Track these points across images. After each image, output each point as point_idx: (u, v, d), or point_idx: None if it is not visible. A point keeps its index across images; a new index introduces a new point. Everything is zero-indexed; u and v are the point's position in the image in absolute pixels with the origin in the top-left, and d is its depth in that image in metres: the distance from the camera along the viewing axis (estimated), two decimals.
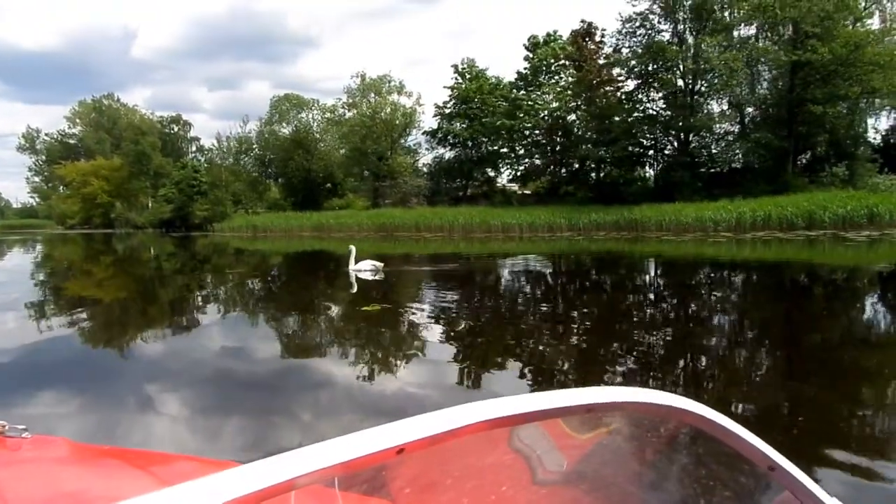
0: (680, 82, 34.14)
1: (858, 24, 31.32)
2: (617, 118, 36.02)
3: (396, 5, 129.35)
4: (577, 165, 39.25)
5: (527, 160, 42.75)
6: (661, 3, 33.20)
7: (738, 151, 30.18)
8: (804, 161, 33.85)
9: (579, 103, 37.53)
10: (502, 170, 45.25)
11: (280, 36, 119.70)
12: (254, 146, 54.07)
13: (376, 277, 14.18)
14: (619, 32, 34.54)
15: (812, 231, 22.89)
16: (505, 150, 43.51)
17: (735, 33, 31.77)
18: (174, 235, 45.14)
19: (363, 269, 15.05)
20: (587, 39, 37.08)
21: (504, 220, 30.17)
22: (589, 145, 36.64)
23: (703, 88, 32.18)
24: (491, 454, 0.90)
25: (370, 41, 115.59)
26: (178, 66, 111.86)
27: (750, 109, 33.48)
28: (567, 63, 39.47)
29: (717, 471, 1.09)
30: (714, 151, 34.17)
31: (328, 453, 0.55)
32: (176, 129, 71.52)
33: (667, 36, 33.88)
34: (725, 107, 33.71)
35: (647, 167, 36.84)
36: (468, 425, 0.68)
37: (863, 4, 31.55)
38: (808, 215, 23.72)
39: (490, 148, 44.52)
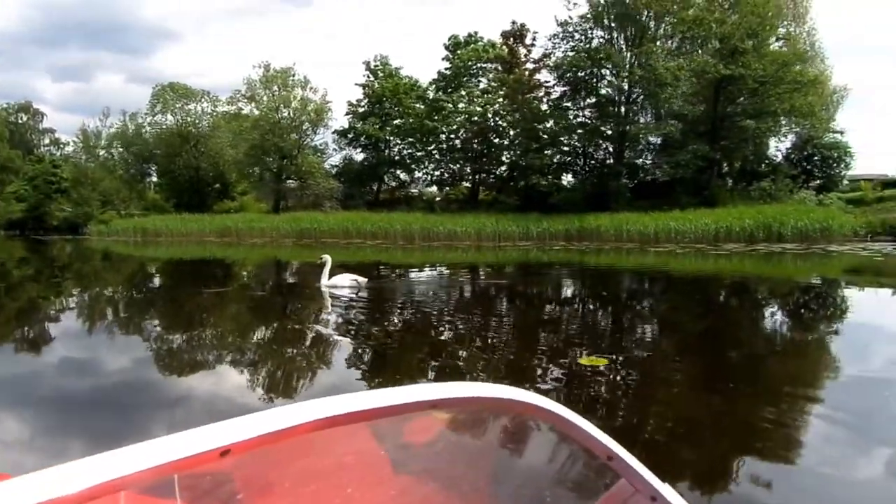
0: (608, 91, 33.79)
1: (780, 44, 32.57)
2: (547, 125, 35.09)
3: (267, 5, 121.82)
4: (504, 172, 37.80)
5: (447, 165, 40.74)
6: (592, 10, 32.66)
7: (679, 162, 30.00)
8: (728, 175, 34.82)
9: (507, 108, 36.11)
10: (417, 174, 42.95)
11: (134, 25, 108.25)
12: (131, 141, 47.63)
13: (356, 295, 11.42)
14: (555, 36, 33.52)
15: (777, 244, 22.87)
16: (421, 153, 41.28)
17: (659, 44, 31.68)
18: (38, 238, 38.32)
19: (340, 285, 12.11)
20: (518, 42, 35.90)
21: (449, 228, 27.87)
22: (518, 151, 35.39)
23: (638, 98, 31.78)
24: (332, 455, 0.86)
25: (243, 38, 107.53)
26: (16, 52, 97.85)
27: (673, 121, 33.57)
28: (494, 65, 38.09)
29: (561, 462, 1.11)
30: (646, 162, 34.11)
31: (134, 458, 0.50)
32: (24, 118, 62.38)
33: (597, 42, 33.33)
34: (651, 117, 33.66)
35: (577, 176, 36.08)
36: (301, 424, 0.65)
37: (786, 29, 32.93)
38: (767, 228, 23.73)
39: (406, 151, 42.18)
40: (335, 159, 44.10)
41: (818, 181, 35.12)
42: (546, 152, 35.47)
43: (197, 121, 44.82)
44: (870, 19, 73.07)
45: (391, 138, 42.03)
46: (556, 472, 1.16)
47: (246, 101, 41.75)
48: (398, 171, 43.44)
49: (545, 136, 35.18)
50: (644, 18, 31.87)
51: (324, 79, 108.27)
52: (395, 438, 0.97)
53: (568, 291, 13.71)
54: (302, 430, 0.65)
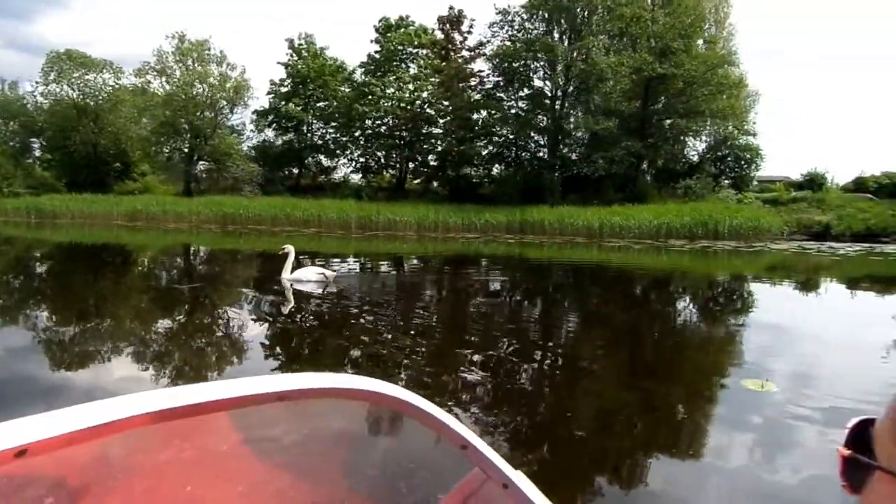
0: (542, 83, 33.78)
1: (704, 47, 33.69)
2: (480, 114, 34.62)
3: None
4: (434, 161, 36.92)
5: (373, 152, 39.38)
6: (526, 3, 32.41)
7: (613, 158, 30.33)
8: (652, 172, 35.74)
9: (440, 95, 35.25)
10: (341, 160, 41.30)
11: None
12: (15, 111, 42.70)
13: (324, 291, 10.50)
14: (494, 24, 33.01)
15: (715, 241, 23.53)
16: (346, 138, 39.66)
17: (598, 39, 31.91)
18: None
19: (306, 278, 11.20)
20: (454, 28, 35.10)
21: (388, 217, 26.72)
22: (450, 140, 34.66)
23: (575, 92, 31.83)
24: (167, 450, 0.80)
25: (140, 7, 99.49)
26: None
27: (602, 117, 33.95)
28: (427, 51, 37.09)
29: (417, 452, 1.13)
30: (580, 156, 34.30)
31: None
32: None
33: (534, 33, 33.14)
34: (584, 112, 33.91)
35: (510, 167, 35.82)
36: (123, 419, 0.61)
37: (712, 29, 34.08)
38: (704, 225, 24.39)
39: (330, 135, 40.42)
40: (253, 141, 41.66)
41: (729, 181, 36.88)
42: (478, 142, 35.05)
43: (97, 93, 40.80)
44: (790, 36, 77.60)
45: (315, 121, 40.20)
46: (411, 462, 1.16)
47: (156, 74, 38.45)
48: (321, 157, 41.65)
49: (478, 127, 34.73)
50: (580, 12, 32.07)
51: (242, 55, 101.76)
52: (245, 431, 0.91)
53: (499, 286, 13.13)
54: (125, 425, 0.59)
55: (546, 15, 32.38)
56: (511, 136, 34.53)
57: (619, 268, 16.37)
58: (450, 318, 9.15)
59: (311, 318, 8.70)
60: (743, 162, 37.75)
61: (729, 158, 37.92)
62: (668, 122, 32.46)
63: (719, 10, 36.94)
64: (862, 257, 19.98)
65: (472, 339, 7.34)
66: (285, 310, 9.16)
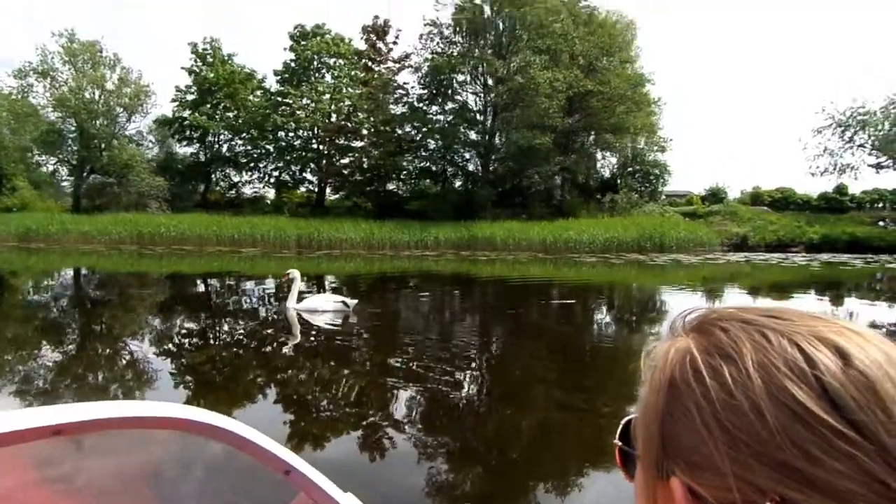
0: (472, 97, 33.63)
1: (627, 65, 35.02)
2: (406, 128, 33.80)
3: None
4: (357, 175, 35.42)
5: (289, 166, 37.25)
6: (456, 13, 32.14)
7: (548, 172, 30.63)
8: (566, 187, 36.52)
9: (364, 107, 34.02)
10: (252, 174, 38.73)
11: None
12: None
13: (342, 322, 9.31)
14: (422, 36, 32.37)
15: (661, 253, 24.22)
16: (259, 151, 37.33)
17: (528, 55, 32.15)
18: None
19: (321, 308, 9.78)
20: (380, 38, 34.05)
21: (333, 235, 25.10)
22: (377, 153, 33.48)
23: (508, 107, 31.67)
24: None
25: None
26: None
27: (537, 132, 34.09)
28: (345, 62, 35.73)
29: (235, 479, 1.06)
30: (511, 171, 34.22)
31: None
32: None
33: (460, 48, 32.91)
34: (514, 128, 33.97)
35: (439, 182, 35.18)
36: None
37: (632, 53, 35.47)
38: (650, 239, 25.08)
39: (241, 147, 37.89)
40: (153, 152, 38.11)
41: (638, 195, 38.45)
42: (405, 157, 34.22)
43: None
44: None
45: (224, 132, 37.52)
46: (229, 492, 1.10)
47: (38, 76, 34.19)
48: (230, 171, 38.90)
49: (405, 140, 33.88)
50: (503, 28, 32.26)
51: (138, 59, 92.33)
52: (50, 465, 0.84)
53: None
54: None
55: (472, 30, 32.19)
56: (440, 151, 33.91)
57: (612, 284, 16.22)
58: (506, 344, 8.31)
59: (343, 357, 7.51)
60: (652, 177, 39.55)
61: (638, 174, 39.61)
62: (592, 137, 33.28)
63: (627, 33, 38.61)
64: (801, 267, 21.33)
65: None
66: (291, 345, 7.98)
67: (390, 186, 35.15)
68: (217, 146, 38.20)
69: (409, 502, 3.53)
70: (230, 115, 37.29)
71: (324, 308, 9.86)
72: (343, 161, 35.84)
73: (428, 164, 34.74)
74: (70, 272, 18.13)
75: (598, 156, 39.58)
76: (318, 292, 11.17)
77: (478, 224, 26.79)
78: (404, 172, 34.85)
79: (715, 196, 40.03)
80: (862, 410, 0.38)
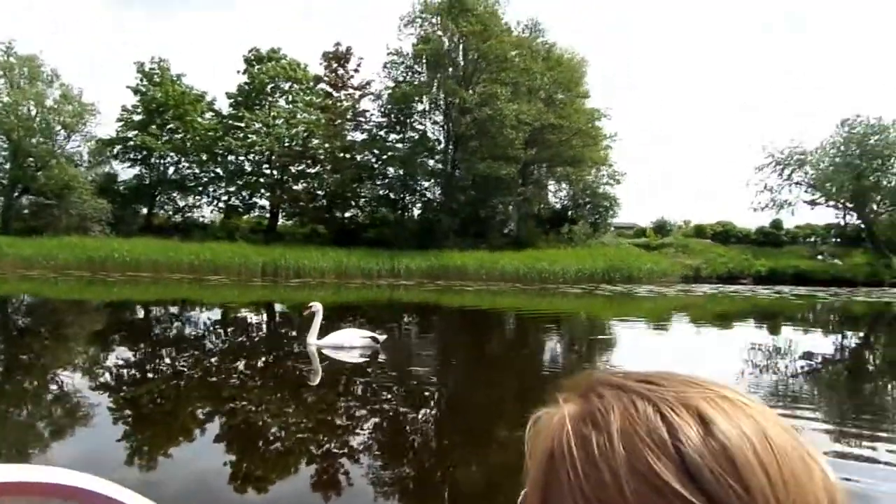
0: (435, 127, 33.62)
1: (582, 101, 35.94)
2: (365, 155, 33.40)
3: None
4: (311, 201, 34.50)
5: (240, 191, 35.92)
6: (419, 43, 32.20)
7: (510, 203, 30.80)
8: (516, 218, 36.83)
9: (322, 133, 33.35)
10: (200, 198, 37.15)
11: None
12: None
13: (366, 357, 8.83)
14: (386, 65, 32.19)
15: (628, 284, 24.62)
16: (209, 175, 35.93)
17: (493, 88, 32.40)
18: None
19: (349, 343, 9.16)
20: (341, 65, 33.58)
21: (302, 263, 24.14)
22: (335, 179, 32.82)
23: (475, 136, 31.58)
24: None
25: None
26: None
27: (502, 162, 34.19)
28: (300, 87, 35.08)
29: None
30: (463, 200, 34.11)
31: None
32: None
33: (422, 78, 32.92)
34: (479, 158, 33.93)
35: (398, 210, 34.72)
36: None
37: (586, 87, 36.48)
38: (620, 271, 25.50)
39: (189, 170, 36.36)
40: (91, 174, 35.88)
41: (591, 227, 39.39)
42: (364, 184, 33.74)
43: None
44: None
45: (171, 154, 35.93)
46: None
47: None
48: (175, 194, 37.16)
49: (364, 167, 33.42)
50: (463, 61, 32.55)
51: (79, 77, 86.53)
52: None
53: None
54: None
55: (434, 60, 32.24)
56: (400, 179, 33.52)
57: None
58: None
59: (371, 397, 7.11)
60: (601, 209, 40.49)
61: (588, 206, 40.47)
62: (544, 168, 33.84)
63: (579, 69, 39.76)
64: (782, 297, 22.19)
65: None
66: (314, 382, 7.53)
67: (348, 213, 34.44)
68: (163, 168, 36.54)
69: None
70: (178, 136, 35.78)
71: (352, 344, 9.25)
72: (298, 187, 34.92)
73: (387, 191, 34.27)
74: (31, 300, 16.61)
75: (551, 187, 40.41)
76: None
77: (447, 253, 26.54)
78: (363, 199, 34.28)
79: (662, 229, 41.41)
80: (718, 483, 0.38)
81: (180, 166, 36.83)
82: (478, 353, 10.80)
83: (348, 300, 18.25)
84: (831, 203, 37.22)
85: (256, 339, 11.53)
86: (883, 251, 33.03)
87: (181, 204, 37.56)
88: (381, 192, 34.28)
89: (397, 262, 25.15)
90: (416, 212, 34.22)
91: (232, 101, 35.30)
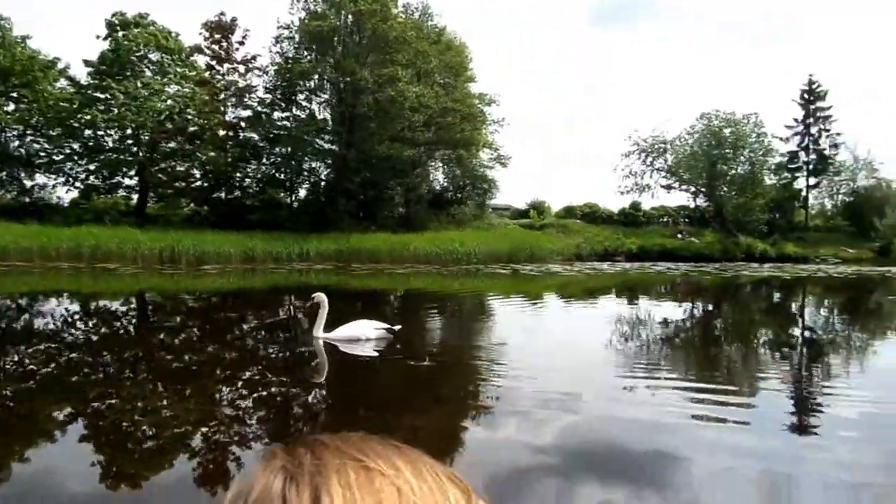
0: (322, 107, 32.57)
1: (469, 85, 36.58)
2: (251, 134, 31.61)
3: None
4: (196, 182, 32.00)
5: (101, 170, 32.27)
6: (307, 19, 30.96)
7: (410, 185, 30.68)
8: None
9: (202, 108, 30.90)
10: (54, 177, 32.91)
11: None
12: None
13: (380, 349, 8.36)
14: (277, 39, 30.51)
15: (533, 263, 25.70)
16: (63, 151, 31.94)
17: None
18: None
19: (364, 336, 8.66)
20: (224, 37, 31.19)
21: (202, 249, 22.33)
22: (215, 155, 30.69)
23: (375, 117, 30.66)
24: None
25: None
26: None
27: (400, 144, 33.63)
28: (178, 58, 32.23)
29: None
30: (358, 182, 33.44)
31: None
32: None
33: (309, 59, 31.68)
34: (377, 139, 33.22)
35: (291, 192, 33.22)
36: None
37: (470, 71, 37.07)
38: (522, 250, 26.50)
39: (38, 146, 32.10)
40: None
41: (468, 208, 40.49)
42: (251, 163, 31.99)
43: None
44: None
45: (16, 127, 31.54)
46: None
47: None
48: (20, 172, 32.67)
49: (249, 146, 31.62)
50: (358, 39, 31.69)
51: None
52: None
53: None
54: None
55: (325, 37, 31.10)
56: (288, 158, 31.98)
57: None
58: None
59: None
60: (479, 191, 41.71)
61: (468, 188, 41.50)
62: (440, 151, 34.24)
63: (464, 53, 40.43)
64: (650, 272, 24.35)
65: None
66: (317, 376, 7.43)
67: (232, 195, 32.42)
68: (4, 141, 31.99)
69: None
70: (23, 106, 31.45)
71: (366, 335, 8.71)
72: (174, 166, 32.20)
73: (274, 172, 32.68)
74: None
75: (437, 170, 40.88)
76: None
77: (355, 236, 25.97)
78: (248, 180, 32.48)
79: (537, 209, 43.52)
80: None
81: (26, 140, 32.47)
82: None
83: (256, 286, 17.35)
84: (684, 187, 41.28)
85: (245, 335, 10.69)
86: (731, 230, 37.36)
87: (28, 184, 33.16)
88: (269, 173, 32.63)
89: (307, 244, 24.22)
90: (303, 193, 33.04)
91: (92, 69, 31.56)
